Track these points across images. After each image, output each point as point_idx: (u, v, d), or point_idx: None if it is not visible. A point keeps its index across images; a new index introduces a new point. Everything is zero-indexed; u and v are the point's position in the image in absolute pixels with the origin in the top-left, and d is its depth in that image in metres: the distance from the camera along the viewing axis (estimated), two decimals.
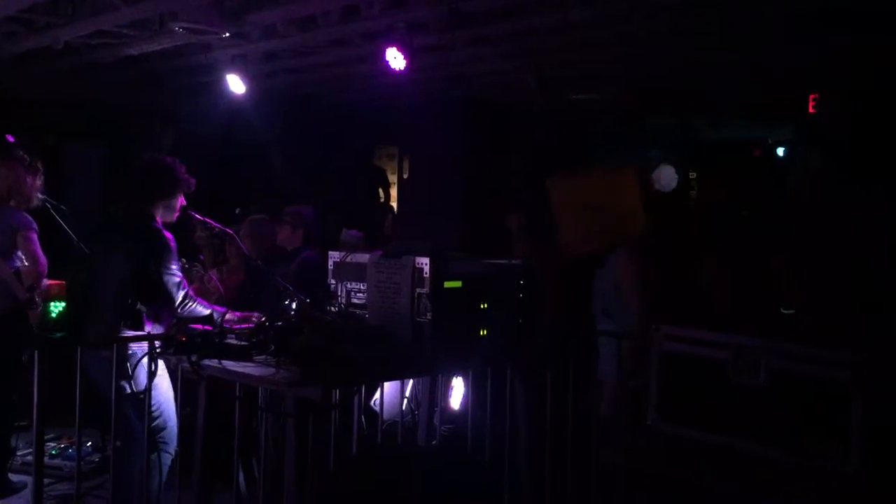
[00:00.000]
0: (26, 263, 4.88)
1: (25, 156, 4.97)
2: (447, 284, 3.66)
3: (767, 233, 5.66)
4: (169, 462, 4.27)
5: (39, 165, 5.04)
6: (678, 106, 9.52)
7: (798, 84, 7.53)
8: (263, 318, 3.95)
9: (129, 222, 4.43)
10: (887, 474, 3.29)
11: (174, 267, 4.25)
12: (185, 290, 4.28)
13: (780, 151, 10.22)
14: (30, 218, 4.94)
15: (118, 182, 7.37)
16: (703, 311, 4.65)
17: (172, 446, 4.25)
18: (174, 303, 4.20)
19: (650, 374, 4.00)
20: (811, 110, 7.42)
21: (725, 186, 9.73)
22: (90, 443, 5.39)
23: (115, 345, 3.92)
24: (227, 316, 4.14)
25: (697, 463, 3.57)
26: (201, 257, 5.66)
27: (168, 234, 4.33)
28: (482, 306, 3.79)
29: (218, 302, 4.54)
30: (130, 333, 4.08)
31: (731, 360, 3.70)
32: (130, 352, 4.05)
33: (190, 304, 4.25)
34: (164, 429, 4.23)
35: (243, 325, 4.00)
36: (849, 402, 3.36)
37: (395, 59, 5.70)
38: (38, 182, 5.01)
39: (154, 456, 4.17)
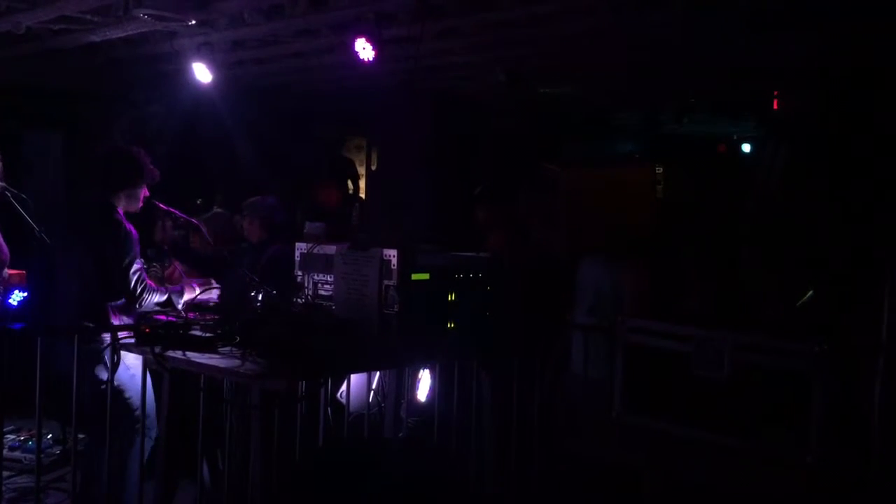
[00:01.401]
0: None
1: None
2: (415, 276, 3.66)
3: (734, 228, 5.73)
4: (150, 448, 4.23)
5: None
6: (645, 100, 9.59)
7: (763, 79, 7.62)
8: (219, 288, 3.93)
9: (92, 212, 4.37)
10: (845, 464, 3.35)
11: (135, 259, 4.20)
12: (144, 284, 4.24)
13: (746, 147, 10.34)
14: None
15: (80, 171, 7.26)
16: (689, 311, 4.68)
17: (154, 432, 4.21)
18: (133, 295, 4.17)
19: (615, 366, 4.03)
20: (775, 107, 7.51)
21: (691, 183, 9.83)
22: (50, 435, 5.32)
23: (76, 336, 3.86)
24: (186, 295, 4.12)
25: (661, 453, 3.62)
26: (165, 248, 5.60)
27: (129, 226, 4.28)
28: (450, 298, 3.80)
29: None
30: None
31: (694, 352, 3.75)
32: (103, 344, 4.00)
33: (147, 296, 4.21)
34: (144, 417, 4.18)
35: (206, 298, 3.97)
36: (809, 392, 3.42)
37: (364, 49, 5.67)
38: None
39: (129, 446, 4.13)
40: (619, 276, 4.59)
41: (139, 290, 4.20)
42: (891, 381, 3.39)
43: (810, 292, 4.34)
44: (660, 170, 10.87)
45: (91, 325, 4.07)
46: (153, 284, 4.39)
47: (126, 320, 4.16)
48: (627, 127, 10.57)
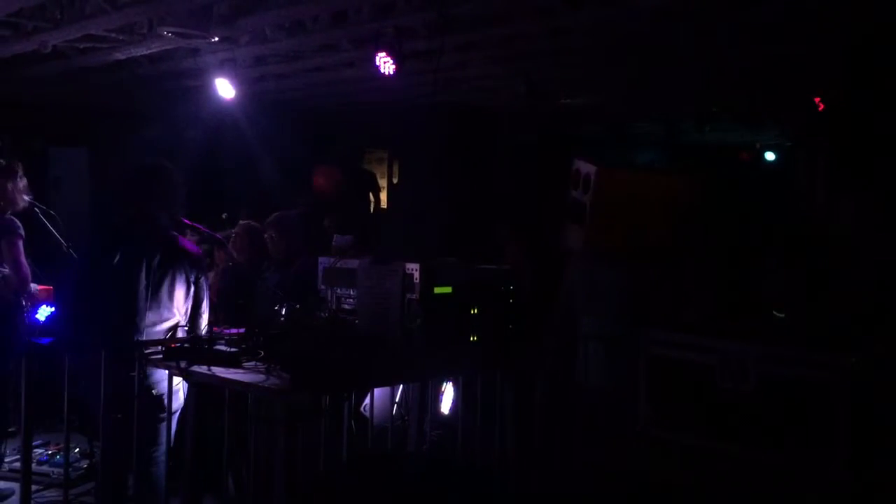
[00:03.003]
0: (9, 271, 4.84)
1: (1, 160, 4.91)
2: (437, 290, 3.67)
3: (759, 238, 5.69)
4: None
5: (17, 167, 4.95)
6: (664, 110, 9.56)
7: (787, 86, 7.58)
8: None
9: (147, 230, 4.25)
10: (873, 475, 3.32)
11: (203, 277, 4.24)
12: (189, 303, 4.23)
13: (770, 155, 10.27)
14: (16, 223, 4.88)
15: (108, 186, 7.34)
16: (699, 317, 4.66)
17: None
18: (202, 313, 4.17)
19: (638, 377, 4.01)
20: (820, 108, 7.36)
21: (713, 191, 9.77)
22: (77, 449, 5.36)
23: (107, 352, 3.88)
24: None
25: (686, 465, 3.60)
26: None
27: (189, 243, 4.29)
28: (472, 312, 3.80)
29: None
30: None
31: (719, 365, 3.72)
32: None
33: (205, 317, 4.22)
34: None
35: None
36: (835, 404, 3.39)
37: (385, 63, 5.70)
38: (20, 184, 4.94)
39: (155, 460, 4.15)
40: (640, 282, 4.59)
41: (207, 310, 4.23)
42: None
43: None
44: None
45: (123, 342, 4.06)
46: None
47: None
48: (648, 136, 10.54)
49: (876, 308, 4.18)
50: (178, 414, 4.11)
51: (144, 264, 4.08)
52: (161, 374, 3.96)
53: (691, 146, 10.35)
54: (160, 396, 3.97)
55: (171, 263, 4.14)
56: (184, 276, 4.17)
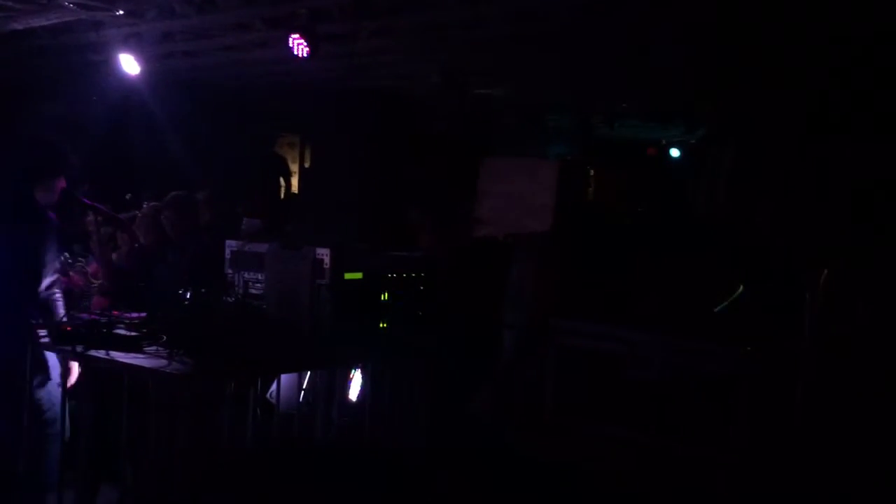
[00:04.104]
0: None
1: None
2: (348, 276, 3.64)
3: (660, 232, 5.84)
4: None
5: None
6: (578, 104, 9.72)
7: (693, 84, 7.79)
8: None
9: (10, 204, 4.19)
10: (767, 462, 3.45)
11: (53, 251, 4.04)
12: (56, 277, 4.06)
13: (674, 151, 10.57)
14: None
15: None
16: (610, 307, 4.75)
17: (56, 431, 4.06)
18: (40, 284, 3.98)
19: (545, 366, 4.06)
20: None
21: (620, 185, 10.02)
22: None
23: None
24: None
25: (591, 453, 3.66)
26: (90, 245, 5.43)
27: (51, 216, 4.13)
28: (383, 298, 3.79)
29: (100, 291, 4.37)
30: None
31: (626, 354, 3.80)
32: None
33: (56, 291, 4.03)
34: (55, 421, 4.03)
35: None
36: (734, 393, 3.50)
37: (299, 46, 5.60)
38: None
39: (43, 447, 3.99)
40: (530, 273, 4.67)
41: (49, 281, 4.02)
42: (813, 382, 3.50)
43: (739, 290, 4.46)
44: (592, 172, 11.06)
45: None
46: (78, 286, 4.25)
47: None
48: (561, 129, 10.70)
49: (775, 299, 4.36)
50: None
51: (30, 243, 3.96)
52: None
53: (603, 140, 10.57)
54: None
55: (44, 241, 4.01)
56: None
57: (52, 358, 3.96)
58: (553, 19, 5.61)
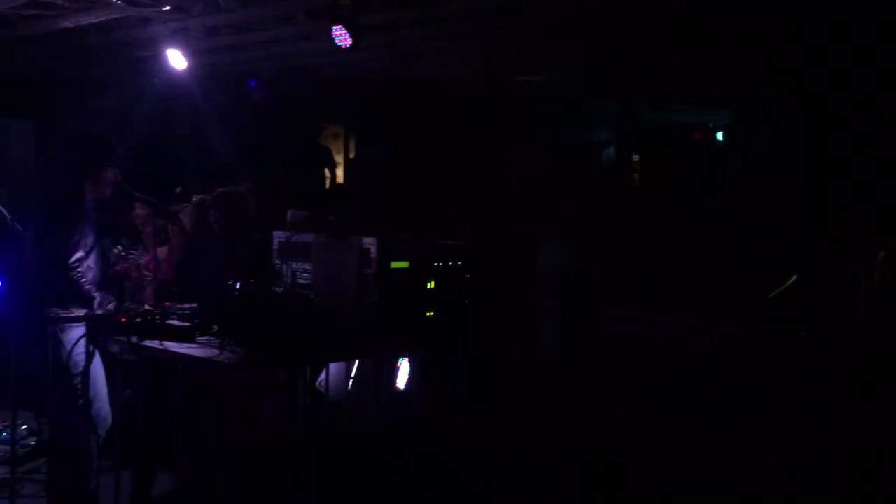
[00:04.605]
0: None
1: None
2: (394, 265, 3.66)
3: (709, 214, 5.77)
4: (100, 443, 4.18)
5: None
6: (620, 89, 9.61)
7: (737, 68, 7.66)
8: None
9: (56, 199, 4.26)
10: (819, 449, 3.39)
11: (79, 233, 4.10)
12: (81, 256, 4.11)
13: (720, 135, 10.41)
14: None
15: (50, 158, 7.17)
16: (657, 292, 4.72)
17: (105, 427, 4.16)
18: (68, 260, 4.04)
19: (594, 353, 4.04)
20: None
21: (667, 169, 9.90)
22: (25, 426, 5.25)
23: (49, 324, 3.82)
24: (109, 306, 3.99)
25: (639, 440, 3.64)
26: (141, 237, 5.54)
27: (89, 205, 4.20)
28: (429, 286, 3.80)
29: (154, 284, 4.45)
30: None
31: (673, 341, 3.77)
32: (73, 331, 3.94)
33: (80, 269, 4.08)
34: (99, 409, 4.13)
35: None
36: (781, 380, 3.45)
37: (341, 37, 5.63)
38: None
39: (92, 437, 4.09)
40: (578, 259, 4.65)
41: (75, 258, 4.07)
42: (864, 367, 3.43)
43: (793, 278, 4.40)
44: (636, 157, 10.95)
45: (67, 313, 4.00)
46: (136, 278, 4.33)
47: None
48: (604, 115, 10.60)
49: (821, 286, 4.28)
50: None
51: (89, 239, 4.04)
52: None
53: (648, 125, 10.45)
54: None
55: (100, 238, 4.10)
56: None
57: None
58: (597, 2, 5.55)
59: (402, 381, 5.19)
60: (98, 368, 4.12)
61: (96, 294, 4.06)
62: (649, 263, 5.16)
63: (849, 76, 5.96)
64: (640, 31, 6.34)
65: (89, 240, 4.15)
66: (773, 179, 6.06)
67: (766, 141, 6.40)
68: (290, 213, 6.09)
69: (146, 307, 3.90)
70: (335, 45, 5.65)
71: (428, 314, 3.80)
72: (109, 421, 4.14)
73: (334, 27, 5.60)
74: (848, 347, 3.50)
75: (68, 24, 6.27)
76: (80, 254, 4.01)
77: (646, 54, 7.20)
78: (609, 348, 4.07)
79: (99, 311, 3.94)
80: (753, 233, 5.16)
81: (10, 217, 4.84)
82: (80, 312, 3.97)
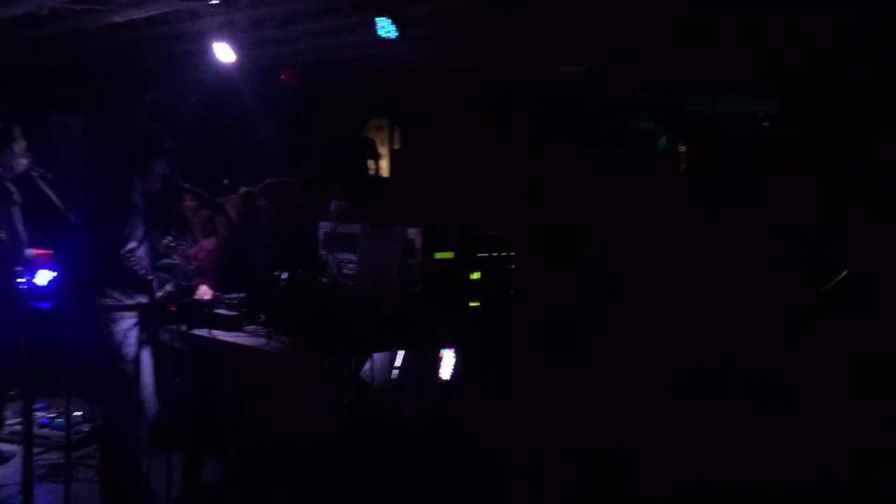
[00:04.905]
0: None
1: None
2: (438, 255, 3.67)
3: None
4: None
5: (14, 131, 4.91)
6: (668, 78, 9.49)
7: (786, 58, 7.52)
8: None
9: (109, 191, 4.32)
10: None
11: (129, 227, 4.15)
12: (133, 246, 4.17)
13: (769, 125, 10.22)
14: (10, 189, 4.85)
15: (100, 150, 7.30)
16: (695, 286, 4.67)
17: (151, 414, 4.24)
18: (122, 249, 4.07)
19: (625, 345, 4.00)
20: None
21: (715, 160, 9.76)
22: (79, 412, 5.38)
23: (100, 314, 3.89)
24: (167, 287, 4.04)
25: (667, 428, 3.60)
26: (190, 227, 5.63)
27: (138, 198, 4.26)
28: (473, 277, 3.80)
29: (198, 274, 4.51)
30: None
31: (706, 331, 3.73)
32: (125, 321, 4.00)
33: (133, 258, 4.10)
34: (144, 398, 4.21)
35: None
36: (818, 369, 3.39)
37: (385, 28, 5.64)
38: (17, 148, 4.90)
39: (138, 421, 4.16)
40: (608, 251, 4.61)
41: (129, 247, 4.13)
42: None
43: (845, 272, 4.31)
44: (683, 148, 10.80)
45: (117, 302, 4.06)
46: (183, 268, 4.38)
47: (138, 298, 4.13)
48: (650, 105, 10.48)
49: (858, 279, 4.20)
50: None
51: (139, 232, 4.10)
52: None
53: (695, 116, 10.30)
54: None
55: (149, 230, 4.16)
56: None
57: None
58: None
59: (446, 371, 5.21)
60: (146, 357, 4.20)
61: (152, 277, 4.12)
62: (695, 255, 5.09)
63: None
64: (689, 20, 6.25)
65: (139, 232, 4.21)
66: (815, 173, 5.96)
67: (808, 132, 6.28)
68: (333, 203, 6.14)
69: (198, 296, 3.96)
70: (379, 36, 5.67)
71: (472, 304, 3.81)
72: (154, 409, 4.21)
73: (379, 19, 5.61)
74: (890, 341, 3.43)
75: (119, 18, 6.38)
76: (132, 244, 4.08)
77: (694, 43, 7.10)
78: (649, 340, 4.02)
79: (159, 294, 4.02)
80: (797, 225, 5.07)
81: (63, 208, 4.95)
82: (139, 299, 4.03)
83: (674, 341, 3.90)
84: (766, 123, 10.21)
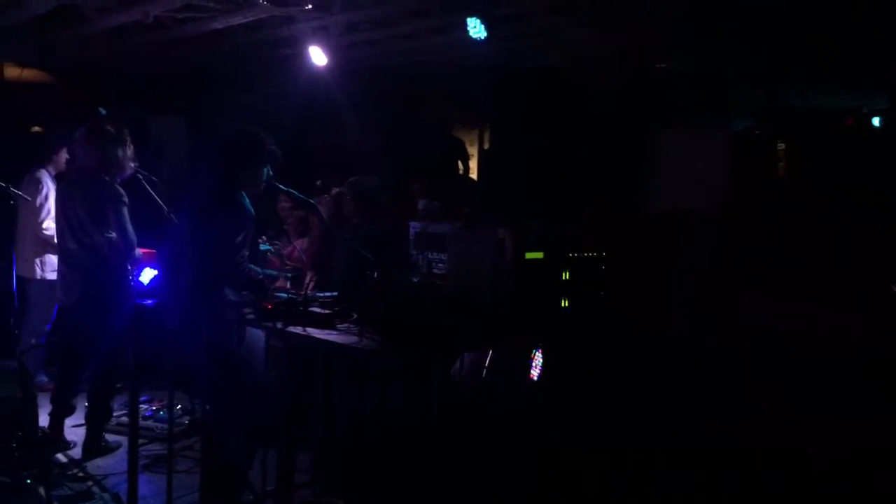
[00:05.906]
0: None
1: (111, 128, 5.06)
2: (528, 255, 3.65)
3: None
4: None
5: (126, 135, 5.12)
6: (762, 73, 9.20)
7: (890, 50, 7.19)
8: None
9: (213, 192, 4.41)
10: None
11: (246, 228, 4.23)
12: (245, 253, 4.26)
13: (876, 121, 9.79)
14: (120, 191, 5.05)
15: (202, 153, 7.53)
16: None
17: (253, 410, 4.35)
18: (234, 264, 4.12)
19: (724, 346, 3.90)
20: None
21: (816, 158, 9.39)
22: (179, 406, 5.58)
23: (205, 311, 4.01)
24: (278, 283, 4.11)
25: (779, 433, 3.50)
26: (284, 227, 5.77)
27: (248, 205, 4.34)
28: (563, 277, 3.77)
29: (297, 273, 4.61)
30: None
31: (805, 332, 3.60)
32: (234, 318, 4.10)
33: (241, 258, 4.15)
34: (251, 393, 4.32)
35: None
36: None
37: (475, 29, 5.66)
38: (129, 152, 5.11)
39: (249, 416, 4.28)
40: (702, 250, 4.48)
41: (240, 258, 4.21)
42: None
43: None
44: (781, 146, 10.45)
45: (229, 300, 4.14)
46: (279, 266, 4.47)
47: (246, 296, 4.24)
48: (745, 102, 10.17)
49: None
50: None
51: (245, 231, 4.18)
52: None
53: (795, 111, 9.95)
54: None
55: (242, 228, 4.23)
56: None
57: (256, 333, 4.19)
58: None
59: (536, 372, 5.18)
60: (258, 353, 4.29)
61: (261, 274, 4.22)
62: (799, 254, 4.91)
63: None
64: (784, 12, 6.05)
65: (251, 234, 4.29)
66: None
67: None
68: (421, 202, 6.18)
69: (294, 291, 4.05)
70: (469, 37, 5.69)
71: (563, 305, 3.78)
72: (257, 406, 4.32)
73: (468, 19, 5.63)
74: None
75: (218, 25, 6.60)
76: (244, 251, 4.17)
77: (790, 35, 6.87)
78: (749, 340, 3.91)
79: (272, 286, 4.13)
80: None
81: (167, 209, 5.15)
82: (247, 297, 4.13)
83: (785, 342, 3.78)
84: (875, 118, 9.78)
